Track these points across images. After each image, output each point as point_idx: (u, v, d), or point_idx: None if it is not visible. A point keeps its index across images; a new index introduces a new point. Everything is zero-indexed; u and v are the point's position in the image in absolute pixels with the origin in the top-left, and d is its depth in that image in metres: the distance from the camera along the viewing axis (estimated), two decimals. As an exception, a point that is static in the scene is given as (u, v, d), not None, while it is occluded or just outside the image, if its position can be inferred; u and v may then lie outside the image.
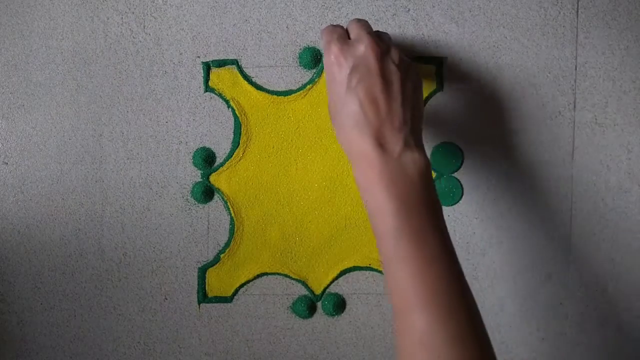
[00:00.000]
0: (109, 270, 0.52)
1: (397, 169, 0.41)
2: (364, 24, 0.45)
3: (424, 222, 0.40)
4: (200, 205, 0.52)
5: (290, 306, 0.53)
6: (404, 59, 0.44)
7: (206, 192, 0.52)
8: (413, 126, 0.43)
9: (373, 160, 0.41)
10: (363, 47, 0.43)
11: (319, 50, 0.51)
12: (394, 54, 0.44)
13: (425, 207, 0.41)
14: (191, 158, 0.52)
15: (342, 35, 0.45)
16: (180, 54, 0.51)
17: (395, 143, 0.42)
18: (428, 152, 0.52)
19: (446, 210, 0.52)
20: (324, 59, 0.45)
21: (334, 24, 0.48)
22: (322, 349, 0.53)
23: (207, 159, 0.52)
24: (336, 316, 0.53)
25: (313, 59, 0.51)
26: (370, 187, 0.41)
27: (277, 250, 0.53)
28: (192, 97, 0.52)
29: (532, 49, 0.52)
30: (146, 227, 0.52)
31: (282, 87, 0.52)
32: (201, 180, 0.52)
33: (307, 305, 0.53)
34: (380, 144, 0.41)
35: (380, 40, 0.44)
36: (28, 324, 0.52)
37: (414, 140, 0.42)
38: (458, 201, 0.52)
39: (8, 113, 0.51)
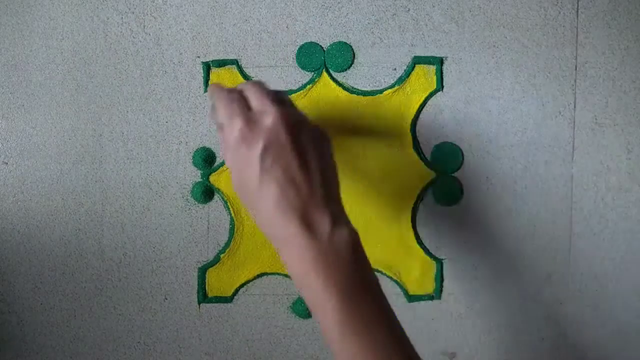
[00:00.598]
0: (109, 270, 0.52)
1: (331, 252, 0.37)
2: (263, 89, 0.41)
3: (368, 310, 0.37)
4: (200, 205, 0.52)
5: (290, 306, 0.53)
6: (316, 127, 0.41)
7: (206, 192, 0.52)
8: (336, 199, 0.40)
9: (304, 245, 0.37)
10: (271, 120, 0.38)
11: (315, 49, 0.51)
12: (304, 122, 0.40)
13: (366, 291, 0.38)
14: (191, 158, 0.52)
15: (244, 105, 0.40)
16: (180, 54, 0.51)
17: (323, 222, 0.38)
18: (428, 152, 0.52)
19: (446, 210, 0.52)
20: (225, 135, 0.39)
21: (224, 87, 0.42)
22: (322, 349, 0.53)
23: (207, 159, 0.52)
24: (336, 316, 0.53)
25: (309, 59, 0.51)
26: (305, 277, 0.37)
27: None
28: (192, 97, 0.52)
29: (532, 49, 0.52)
30: (146, 227, 0.52)
31: (282, 87, 0.52)
32: (201, 180, 0.52)
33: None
34: (308, 225, 0.38)
35: (288, 109, 0.40)
36: (28, 324, 0.52)
37: (340, 214, 0.39)
38: (458, 201, 0.52)
39: (8, 113, 0.51)
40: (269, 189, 0.38)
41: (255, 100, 0.40)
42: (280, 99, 0.41)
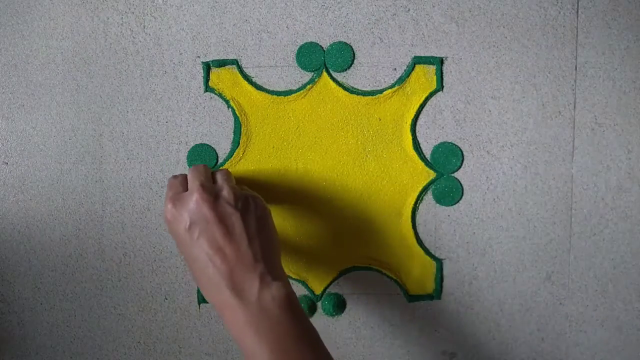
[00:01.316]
0: (109, 270, 0.52)
1: (260, 312, 0.40)
2: (196, 170, 0.45)
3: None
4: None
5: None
6: (239, 194, 0.44)
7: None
8: (266, 258, 0.42)
9: (234, 308, 0.40)
10: (194, 199, 0.43)
11: (315, 48, 0.51)
12: (227, 194, 0.43)
13: (300, 342, 0.40)
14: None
15: (178, 190, 0.45)
16: (180, 54, 0.51)
17: (251, 285, 0.41)
18: (428, 153, 0.52)
19: (446, 210, 0.52)
20: (165, 218, 0.44)
21: (175, 174, 0.48)
22: (322, 349, 0.53)
23: (205, 160, 0.52)
24: (336, 316, 0.53)
25: (309, 59, 0.51)
26: (241, 336, 0.40)
27: (277, 250, 0.53)
28: (192, 97, 0.52)
29: (532, 49, 0.52)
30: (146, 227, 0.52)
31: (282, 87, 0.52)
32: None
33: (307, 305, 0.53)
34: (237, 290, 0.41)
35: (206, 186, 0.44)
36: (28, 324, 0.52)
37: (270, 274, 0.42)
38: (458, 201, 0.52)
39: (8, 113, 0.51)
40: (199, 260, 0.42)
41: (188, 182, 0.45)
42: (207, 178, 0.45)
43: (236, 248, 0.42)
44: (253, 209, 0.44)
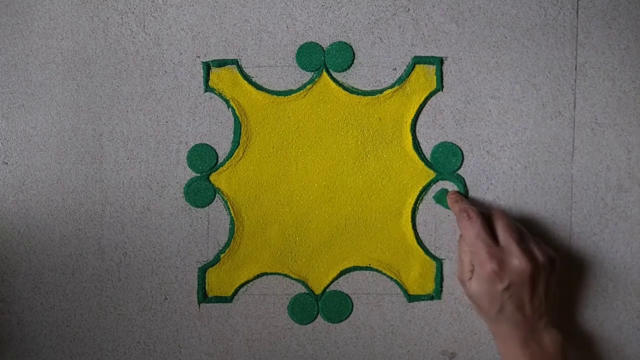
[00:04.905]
0: (109, 270, 0.52)
1: (542, 354, 0.47)
2: (511, 228, 0.47)
3: None
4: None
5: (287, 308, 0.53)
6: (551, 256, 0.48)
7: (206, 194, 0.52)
8: (548, 307, 0.48)
9: (516, 341, 0.47)
10: (517, 264, 0.46)
11: (315, 48, 0.51)
12: (544, 260, 0.47)
13: None
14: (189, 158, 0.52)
15: (489, 242, 0.47)
16: (180, 54, 0.51)
17: (538, 337, 0.47)
18: (428, 152, 0.52)
19: (446, 211, 0.53)
20: (480, 269, 0.47)
21: (471, 214, 0.48)
22: (322, 349, 0.53)
23: (205, 160, 0.52)
24: (337, 323, 0.53)
25: (309, 59, 0.51)
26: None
27: (277, 250, 0.53)
28: (192, 97, 0.52)
29: (532, 49, 0.52)
30: (146, 227, 0.52)
31: (282, 87, 0.52)
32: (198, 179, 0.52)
33: (307, 306, 0.53)
34: (525, 337, 0.47)
35: (531, 250, 0.47)
36: (28, 324, 0.52)
37: (550, 322, 0.48)
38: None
39: (8, 113, 0.51)
40: (504, 312, 0.47)
41: (502, 236, 0.47)
42: (520, 234, 0.48)
43: (534, 306, 0.47)
44: (555, 271, 0.48)
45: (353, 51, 0.52)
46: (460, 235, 0.50)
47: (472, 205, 0.49)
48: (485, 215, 0.49)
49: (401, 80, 0.52)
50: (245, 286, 0.53)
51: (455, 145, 0.52)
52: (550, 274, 0.47)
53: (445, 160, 0.52)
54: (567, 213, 0.53)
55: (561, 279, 0.53)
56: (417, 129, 0.52)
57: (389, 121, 0.52)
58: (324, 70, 0.52)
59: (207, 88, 0.52)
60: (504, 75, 0.52)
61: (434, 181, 0.52)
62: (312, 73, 0.52)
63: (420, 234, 0.53)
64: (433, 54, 0.52)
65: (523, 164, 0.52)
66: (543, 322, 0.47)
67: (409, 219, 0.52)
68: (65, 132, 0.51)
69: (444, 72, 0.52)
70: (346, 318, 0.53)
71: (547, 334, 0.47)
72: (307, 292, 0.53)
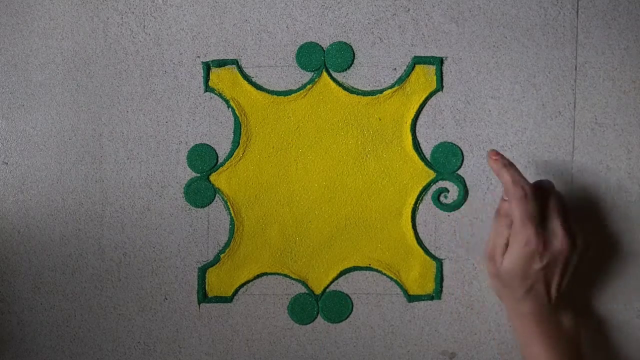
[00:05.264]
0: (109, 270, 0.52)
1: (557, 327, 0.47)
2: (559, 206, 0.47)
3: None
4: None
5: (287, 308, 0.53)
6: (588, 241, 0.48)
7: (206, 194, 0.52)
8: (568, 291, 0.48)
9: (537, 320, 0.47)
10: (559, 245, 0.45)
11: (315, 49, 0.51)
12: (581, 244, 0.47)
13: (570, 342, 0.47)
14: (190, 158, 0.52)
15: (540, 222, 0.46)
16: (180, 54, 0.51)
17: (556, 310, 0.47)
18: (428, 152, 0.52)
19: (446, 211, 0.52)
20: (520, 246, 0.46)
21: (527, 191, 0.46)
22: (322, 349, 0.53)
23: (205, 160, 0.52)
24: (337, 323, 0.53)
25: (309, 59, 0.51)
26: (529, 340, 0.47)
27: (277, 250, 0.53)
28: (192, 97, 0.52)
29: (532, 49, 0.52)
30: (146, 227, 0.52)
31: (282, 87, 0.52)
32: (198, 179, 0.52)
33: (307, 306, 0.53)
34: (545, 316, 0.47)
35: (573, 233, 0.46)
36: (28, 324, 0.52)
37: (568, 301, 0.48)
38: (459, 202, 0.52)
39: (8, 113, 0.51)
40: (533, 286, 0.46)
41: (552, 217, 0.46)
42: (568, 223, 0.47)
43: (561, 288, 0.47)
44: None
45: (353, 51, 0.52)
46: (499, 209, 0.48)
47: (521, 174, 0.47)
48: (535, 184, 0.48)
49: (401, 80, 0.52)
50: (245, 286, 0.53)
51: (455, 145, 0.52)
52: (580, 258, 0.47)
53: (445, 160, 0.52)
54: (567, 213, 0.52)
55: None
56: (417, 129, 0.52)
57: (389, 121, 0.52)
58: (324, 70, 0.52)
59: (207, 88, 0.52)
60: (504, 75, 0.52)
61: (434, 181, 0.52)
62: (312, 73, 0.52)
63: (420, 234, 0.53)
64: (433, 54, 0.52)
65: (523, 164, 0.52)
66: (563, 303, 0.47)
67: (409, 219, 0.52)
68: (65, 132, 0.51)
69: (444, 72, 0.52)
70: (346, 318, 0.53)
71: (565, 314, 0.47)
72: (307, 292, 0.53)
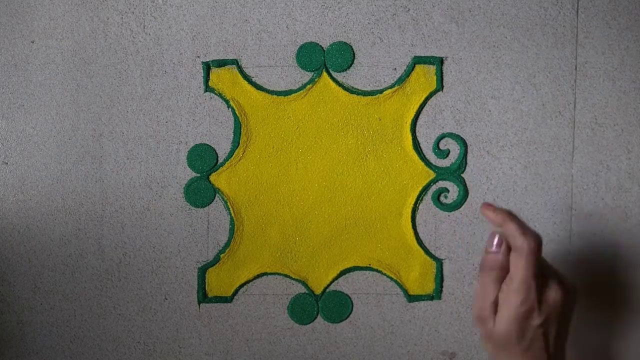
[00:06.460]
0: (109, 270, 0.52)
1: None
2: (545, 262, 0.43)
3: None
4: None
5: (287, 308, 0.53)
6: (576, 287, 0.43)
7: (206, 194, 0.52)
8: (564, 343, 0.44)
9: None
10: (555, 296, 0.41)
11: (315, 49, 0.51)
12: (573, 291, 0.43)
13: None
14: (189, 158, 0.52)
15: (538, 283, 0.41)
16: (180, 54, 0.51)
17: None
18: (428, 152, 0.52)
19: (446, 211, 0.52)
20: (517, 305, 0.41)
21: (536, 249, 0.41)
22: (322, 349, 0.53)
23: (205, 160, 0.52)
24: (337, 323, 0.53)
25: (309, 59, 0.51)
26: None
27: (277, 250, 0.53)
28: (192, 97, 0.52)
29: (532, 49, 0.52)
30: (146, 227, 0.52)
31: (282, 87, 0.52)
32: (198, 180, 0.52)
33: (307, 306, 0.53)
34: None
35: (564, 282, 0.42)
36: (28, 324, 0.52)
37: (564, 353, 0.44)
38: (459, 202, 0.52)
39: (8, 113, 0.51)
40: (531, 343, 0.42)
41: (547, 267, 0.43)
42: (556, 274, 0.43)
43: (560, 343, 0.43)
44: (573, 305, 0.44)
45: (353, 51, 0.52)
46: (485, 263, 0.43)
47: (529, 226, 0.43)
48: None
49: (401, 80, 0.52)
50: (245, 286, 0.53)
51: (455, 144, 0.52)
52: (572, 307, 0.44)
53: (445, 160, 0.52)
54: (567, 213, 0.53)
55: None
56: (417, 129, 0.52)
57: (389, 121, 0.52)
58: (324, 70, 0.52)
59: (207, 88, 0.52)
60: (504, 75, 0.52)
61: (434, 181, 0.52)
62: (312, 73, 0.52)
63: (420, 234, 0.53)
64: (433, 54, 0.52)
65: (523, 164, 0.52)
66: (561, 354, 0.43)
67: (409, 219, 0.52)
68: (65, 132, 0.51)
69: (444, 72, 0.52)
70: (346, 318, 0.53)
71: None
72: (307, 292, 0.53)
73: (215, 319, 0.53)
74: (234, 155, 0.52)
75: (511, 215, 0.42)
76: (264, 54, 0.52)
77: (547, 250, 0.52)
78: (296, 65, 0.52)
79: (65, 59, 0.51)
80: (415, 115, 0.52)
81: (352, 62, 0.52)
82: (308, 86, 0.52)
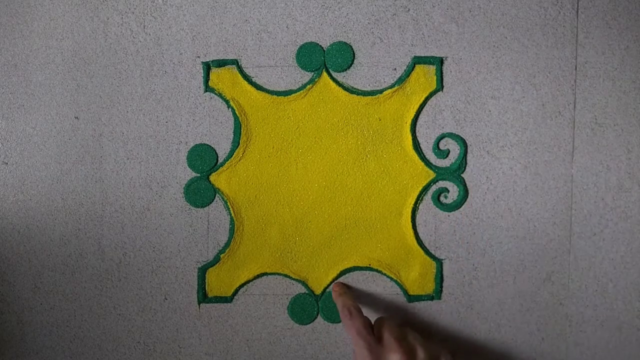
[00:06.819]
0: (109, 270, 0.52)
1: None
2: (393, 328, 0.47)
3: None
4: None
5: (287, 308, 0.53)
6: (433, 352, 0.46)
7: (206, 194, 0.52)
8: None
9: None
10: (396, 358, 0.45)
11: (315, 49, 0.51)
12: (425, 356, 0.45)
13: None
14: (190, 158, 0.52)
15: (371, 339, 0.46)
16: (180, 54, 0.51)
17: None
18: (428, 152, 0.52)
19: (446, 211, 0.53)
20: (357, 353, 0.45)
21: (352, 311, 0.48)
22: (322, 349, 0.53)
23: (205, 160, 0.52)
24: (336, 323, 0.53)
25: (309, 59, 0.51)
26: None
27: (277, 250, 0.53)
28: (192, 97, 0.52)
29: (532, 49, 0.52)
30: (146, 227, 0.52)
31: (282, 87, 0.52)
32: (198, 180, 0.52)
33: (307, 306, 0.53)
34: None
35: (409, 344, 0.46)
36: (28, 324, 0.52)
37: None
38: (458, 201, 0.52)
39: (8, 113, 0.51)
40: None
41: (383, 334, 0.46)
42: (404, 335, 0.47)
43: None
44: None
45: (353, 51, 0.52)
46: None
47: (354, 299, 0.49)
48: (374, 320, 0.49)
49: (401, 80, 0.52)
50: (245, 286, 0.53)
51: (455, 144, 0.52)
52: None
53: (445, 160, 0.52)
54: (567, 213, 0.53)
55: (561, 280, 0.53)
56: (417, 129, 0.52)
57: (389, 121, 0.52)
58: (324, 70, 0.52)
59: (207, 88, 0.52)
60: (504, 75, 0.52)
61: (434, 181, 0.52)
62: (312, 73, 0.52)
63: (420, 234, 0.53)
64: (433, 54, 0.52)
65: (523, 164, 0.52)
66: None
67: (409, 219, 0.52)
68: (65, 132, 0.51)
69: (444, 72, 0.52)
70: (346, 318, 0.53)
71: None
72: (307, 292, 0.53)
73: (215, 319, 0.53)
74: (234, 155, 0.52)
75: (340, 291, 0.51)
76: (264, 54, 0.52)
77: (547, 250, 0.52)
78: (296, 65, 0.52)
79: (65, 59, 0.51)
80: (415, 115, 0.52)
81: (352, 62, 0.52)
82: (308, 86, 0.52)
